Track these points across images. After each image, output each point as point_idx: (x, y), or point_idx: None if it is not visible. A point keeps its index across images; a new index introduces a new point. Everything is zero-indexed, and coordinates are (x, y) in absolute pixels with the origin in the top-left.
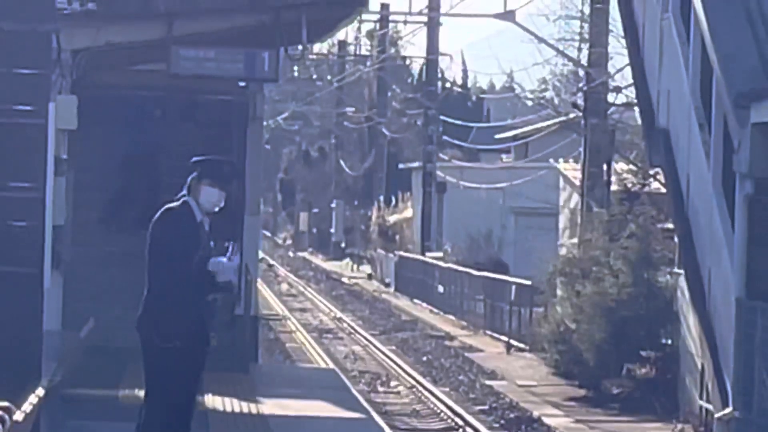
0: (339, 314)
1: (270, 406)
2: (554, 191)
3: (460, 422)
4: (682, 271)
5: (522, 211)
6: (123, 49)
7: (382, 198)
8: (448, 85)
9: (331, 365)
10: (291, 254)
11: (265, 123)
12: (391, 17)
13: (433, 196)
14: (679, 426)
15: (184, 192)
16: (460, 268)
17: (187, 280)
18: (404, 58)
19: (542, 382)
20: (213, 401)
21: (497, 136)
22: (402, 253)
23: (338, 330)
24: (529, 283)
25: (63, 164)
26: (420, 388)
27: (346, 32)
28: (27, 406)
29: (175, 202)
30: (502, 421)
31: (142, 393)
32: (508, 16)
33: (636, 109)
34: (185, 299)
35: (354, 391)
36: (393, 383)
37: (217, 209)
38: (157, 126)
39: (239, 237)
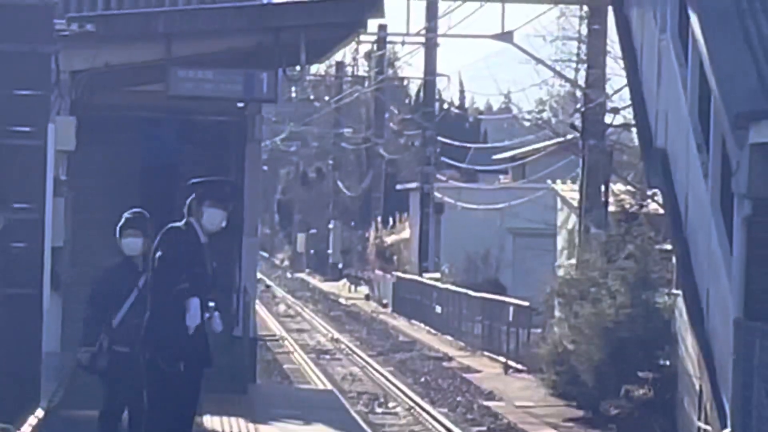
0: (337, 335)
1: (269, 428)
2: (552, 212)
3: None
4: (680, 292)
5: (520, 232)
6: (122, 71)
7: (379, 219)
8: (445, 105)
9: (330, 386)
10: (289, 275)
11: (262, 144)
12: (388, 38)
13: (430, 216)
14: None
15: (185, 213)
16: (458, 289)
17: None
18: (402, 79)
19: (540, 403)
20: (212, 422)
21: (495, 157)
22: (400, 273)
23: (336, 351)
24: (527, 304)
25: (62, 185)
26: (418, 409)
27: (344, 53)
28: (27, 428)
29: (178, 222)
30: None
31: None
32: (505, 37)
33: (634, 130)
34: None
35: (352, 412)
36: (391, 404)
37: (218, 229)
38: (155, 147)
39: (237, 258)
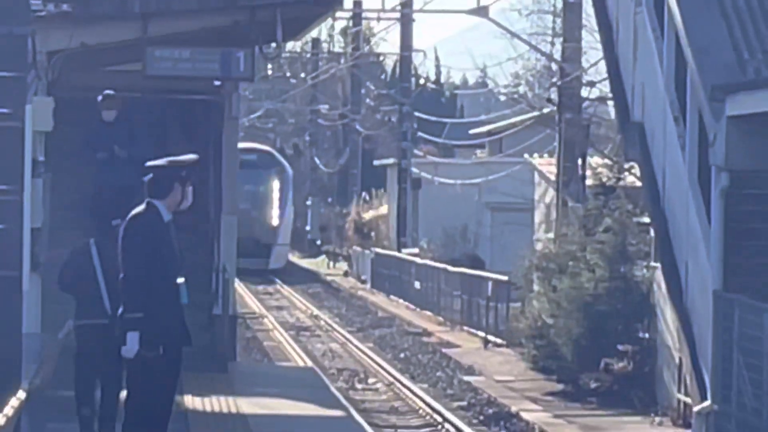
0: (316, 312)
1: (249, 405)
2: (529, 186)
3: (439, 419)
4: (658, 265)
5: (497, 207)
6: (98, 50)
7: (357, 195)
8: (421, 81)
9: (310, 363)
10: None
11: (240, 121)
12: (364, 14)
13: (408, 192)
14: (658, 419)
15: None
16: (437, 264)
17: (165, 285)
18: (378, 54)
19: (520, 378)
20: (192, 401)
21: (471, 132)
22: (378, 249)
23: (315, 327)
24: (505, 278)
25: (40, 166)
26: (398, 385)
27: (320, 30)
28: (8, 410)
29: (140, 206)
30: (481, 417)
31: (122, 394)
32: (481, 11)
33: (610, 103)
34: (165, 305)
35: (333, 389)
36: (371, 380)
37: (183, 207)
38: (132, 127)
39: (216, 236)
